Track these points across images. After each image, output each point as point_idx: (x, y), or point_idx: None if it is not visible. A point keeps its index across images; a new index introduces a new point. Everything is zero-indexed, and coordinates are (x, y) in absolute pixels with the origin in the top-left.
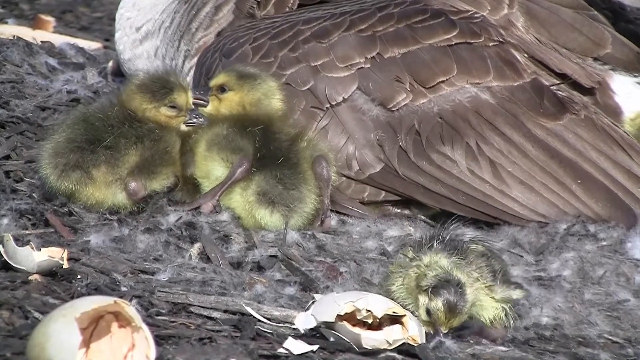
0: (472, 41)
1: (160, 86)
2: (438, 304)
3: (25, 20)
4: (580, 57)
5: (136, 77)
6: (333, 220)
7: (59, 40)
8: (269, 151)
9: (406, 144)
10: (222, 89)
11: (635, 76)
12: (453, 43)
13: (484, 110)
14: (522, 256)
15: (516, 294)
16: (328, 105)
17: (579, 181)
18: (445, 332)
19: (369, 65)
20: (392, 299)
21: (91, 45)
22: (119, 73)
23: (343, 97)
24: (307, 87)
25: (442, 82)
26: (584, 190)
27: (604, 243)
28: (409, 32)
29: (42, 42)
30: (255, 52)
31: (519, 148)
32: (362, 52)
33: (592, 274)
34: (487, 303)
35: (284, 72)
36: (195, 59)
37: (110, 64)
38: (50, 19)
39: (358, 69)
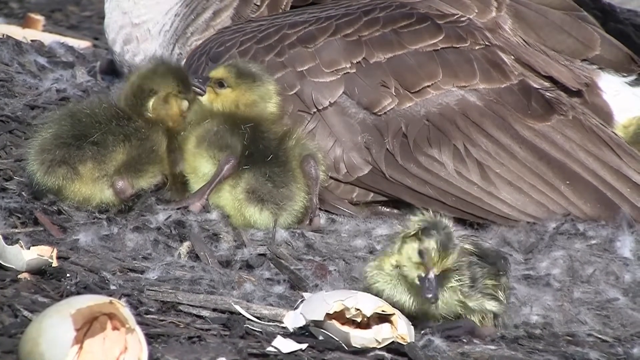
0: (458, 45)
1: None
2: (430, 243)
3: (15, 18)
4: (568, 59)
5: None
6: (322, 219)
7: (49, 38)
8: (257, 149)
9: (393, 147)
10: (220, 83)
11: (624, 76)
12: (439, 48)
13: (471, 113)
14: (511, 255)
15: (491, 305)
16: (315, 110)
17: (568, 182)
18: (437, 274)
19: (354, 70)
20: (368, 282)
21: (80, 44)
22: (109, 72)
23: (329, 102)
24: (294, 91)
25: (428, 86)
26: (573, 190)
27: (594, 242)
28: (394, 37)
29: (31, 40)
30: (242, 57)
31: (507, 149)
32: (348, 57)
33: (581, 272)
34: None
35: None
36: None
37: (99, 62)
38: (39, 18)
39: (344, 73)
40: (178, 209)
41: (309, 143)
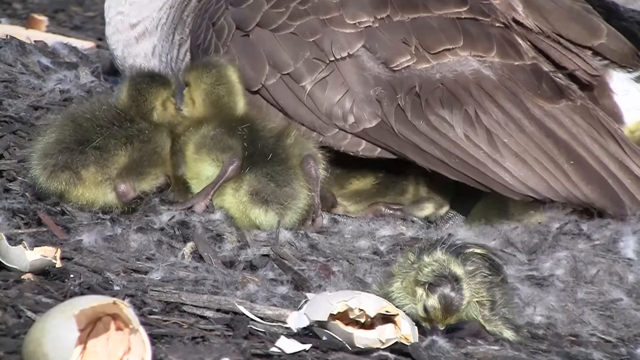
0: (480, 18)
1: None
2: (434, 301)
3: (18, 19)
4: (578, 47)
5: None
6: (325, 220)
7: (52, 39)
8: (257, 149)
9: (405, 103)
10: (187, 83)
11: (629, 72)
12: (462, 17)
13: (485, 84)
14: (514, 255)
15: (509, 334)
16: (332, 59)
17: (572, 162)
18: (442, 328)
19: (377, 25)
20: (390, 300)
21: (84, 44)
22: (112, 72)
23: (348, 53)
24: (313, 39)
25: (447, 50)
26: (576, 171)
27: (597, 242)
28: (420, 1)
29: (35, 41)
30: (268, 0)
31: (516, 122)
32: (372, 12)
33: (585, 273)
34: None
35: (293, 23)
36: (189, 41)
37: (103, 63)
38: (43, 18)
39: (366, 27)
40: (182, 209)
41: (307, 142)
